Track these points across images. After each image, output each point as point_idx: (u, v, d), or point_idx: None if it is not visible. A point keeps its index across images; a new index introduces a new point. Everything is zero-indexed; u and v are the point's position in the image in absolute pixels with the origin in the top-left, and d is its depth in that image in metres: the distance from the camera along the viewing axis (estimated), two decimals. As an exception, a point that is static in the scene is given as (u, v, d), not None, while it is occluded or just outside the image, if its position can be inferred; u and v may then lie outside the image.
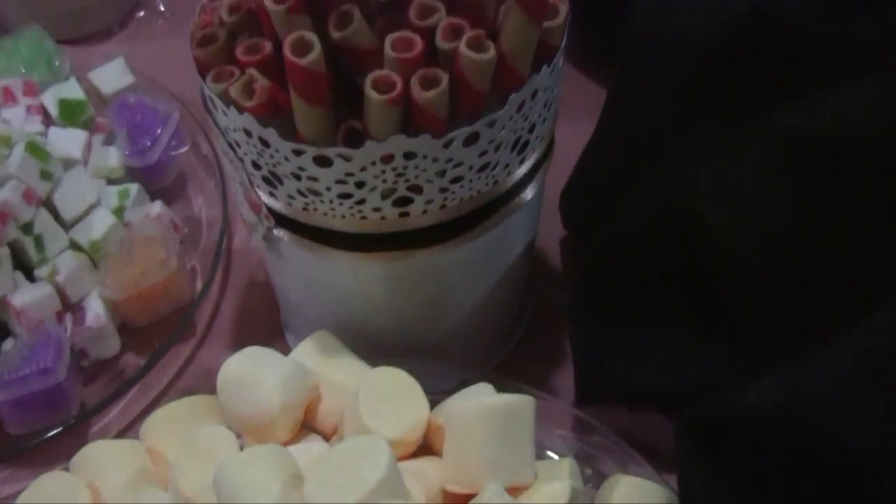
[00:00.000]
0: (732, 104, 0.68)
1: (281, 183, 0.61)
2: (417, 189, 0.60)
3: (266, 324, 0.76)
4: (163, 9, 0.92)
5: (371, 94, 0.56)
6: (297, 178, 0.60)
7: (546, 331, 0.75)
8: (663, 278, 0.65)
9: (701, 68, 0.68)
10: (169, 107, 0.81)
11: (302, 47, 0.55)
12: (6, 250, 0.73)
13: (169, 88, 0.84)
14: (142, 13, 0.92)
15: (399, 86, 0.56)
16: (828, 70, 0.68)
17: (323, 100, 0.57)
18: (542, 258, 0.77)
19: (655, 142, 0.69)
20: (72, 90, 0.81)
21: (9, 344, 0.74)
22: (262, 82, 0.58)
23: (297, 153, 0.58)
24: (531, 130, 0.62)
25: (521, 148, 0.62)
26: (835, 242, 0.62)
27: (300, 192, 0.61)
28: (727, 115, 0.67)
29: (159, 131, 0.79)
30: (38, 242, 0.74)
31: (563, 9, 0.60)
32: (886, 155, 0.61)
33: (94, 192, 0.76)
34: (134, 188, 0.78)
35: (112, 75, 0.83)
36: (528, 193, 0.65)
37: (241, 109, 0.58)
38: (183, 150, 0.81)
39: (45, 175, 0.75)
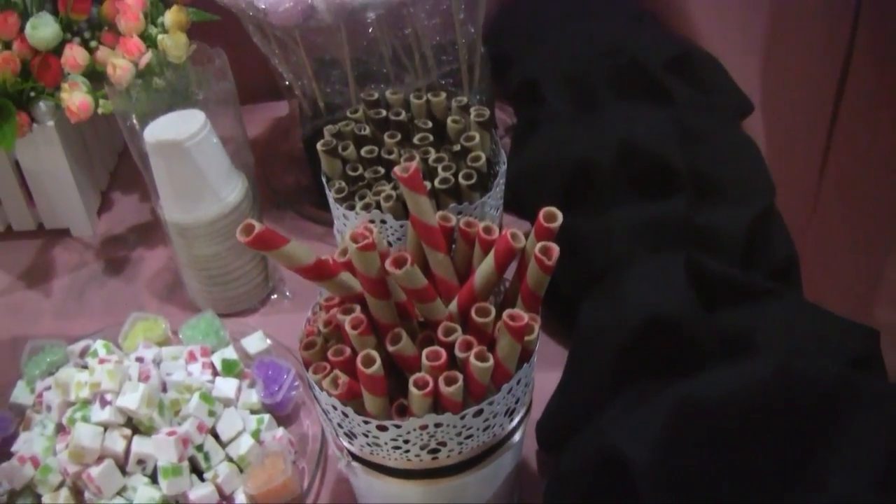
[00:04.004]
0: (645, 377, 0.65)
1: (356, 437, 0.57)
2: (444, 443, 0.56)
3: (349, 508, 0.71)
4: (288, 294, 0.90)
5: (413, 390, 0.53)
6: (366, 436, 0.56)
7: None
8: (603, 494, 0.61)
9: (621, 353, 0.65)
10: (289, 363, 0.78)
11: (368, 360, 0.52)
12: (186, 463, 0.70)
13: (289, 347, 0.81)
14: (275, 296, 0.90)
15: (431, 385, 0.53)
16: (705, 351, 0.65)
17: (382, 392, 0.54)
18: (524, 465, 0.72)
19: (597, 399, 0.65)
20: (230, 353, 0.78)
21: (186, 522, 0.69)
22: (343, 378, 0.55)
23: (366, 422, 0.55)
24: (517, 402, 0.58)
25: (510, 413, 0.58)
26: (720, 471, 0.57)
27: (368, 444, 0.57)
28: (642, 384, 0.64)
29: (285, 377, 0.76)
30: (206, 457, 0.71)
31: (536, 327, 0.57)
32: (748, 412, 0.58)
33: (241, 423, 0.73)
34: (266, 417, 0.74)
35: (255, 341, 0.81)
36: (516, 437, 0.61)
37: (329, 395, 0.54)
38: (298, 391, 0.77)
39: (211, 413, 0.72)
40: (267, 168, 1.06)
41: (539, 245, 0.55)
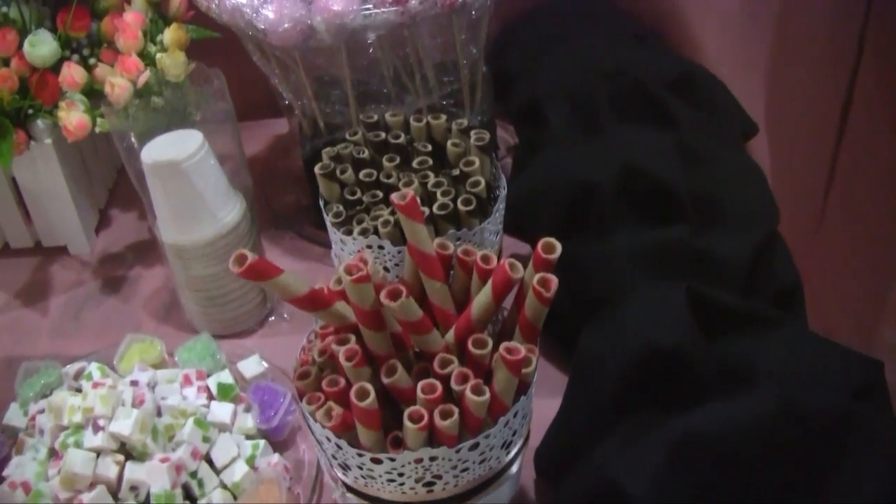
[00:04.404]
0: (645, 407, 0.64)
1: (350, 469, 0.57)
2: (439, 476, 0.56)
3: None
4: (286, 316, 0.89)
5: (408, 423, 0.52)
6: (360, 468, 0.56)
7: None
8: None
9: (621, 383, 0.64)
10: (285, 387, 0.77)
11: (362, 394, 0.52)
12: (179, 490, 0.68)
13: (286, 369, 0.80)
14: (273, 318, 0.89)
15: (426, 418, 0.52)
16: (706, 381, 0.64)
17: (376, 425, 0.53)
18: (522, 494, 0.71)
19: (596, 429, 0.64)
20: (226, 377, 0.77)
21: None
22: (337, 410, 0.54)
23: (360, 455, 0.54)
24: (514, 434, 0.57)
25: (507, 446, 0.57)
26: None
27: (362, 476, 0.56)
28: (642, 415, 0.63)
29: (281, 401, 0.76)
30: (200, 484, 0.70)
31: (534, 359, 0.56)
32: (748, 447, 0.57)
33: (236, 449, 0.72)
34: (261, 443, 0.73)
35: (251, 365, 0.80)
36: (513, 469, 0.61)
37: (323, 426, 0.54)
38: (294, 416, 0.76)
39: (206, 439, 0.71)
40: (266, 186, 1.06)
41: (537, 276, 0.54)
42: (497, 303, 0.56)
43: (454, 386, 0.53)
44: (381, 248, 0.69)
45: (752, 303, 0.69)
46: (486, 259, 0.58)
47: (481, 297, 0.56)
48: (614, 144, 0.81)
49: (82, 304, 0.95)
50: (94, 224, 1.04)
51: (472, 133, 0.72)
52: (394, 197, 0.56)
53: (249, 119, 1.15)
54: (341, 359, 0.53)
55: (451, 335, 0.58)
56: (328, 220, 0.72)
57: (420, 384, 0.53)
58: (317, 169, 0.72)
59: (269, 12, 0.78)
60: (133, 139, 0.83)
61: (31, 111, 0.90)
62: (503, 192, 0.73)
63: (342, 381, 0.55)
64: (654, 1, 1.05)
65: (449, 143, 0.73)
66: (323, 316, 0.55)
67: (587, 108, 0.88)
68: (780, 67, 1.04)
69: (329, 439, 0.55)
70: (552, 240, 0.54)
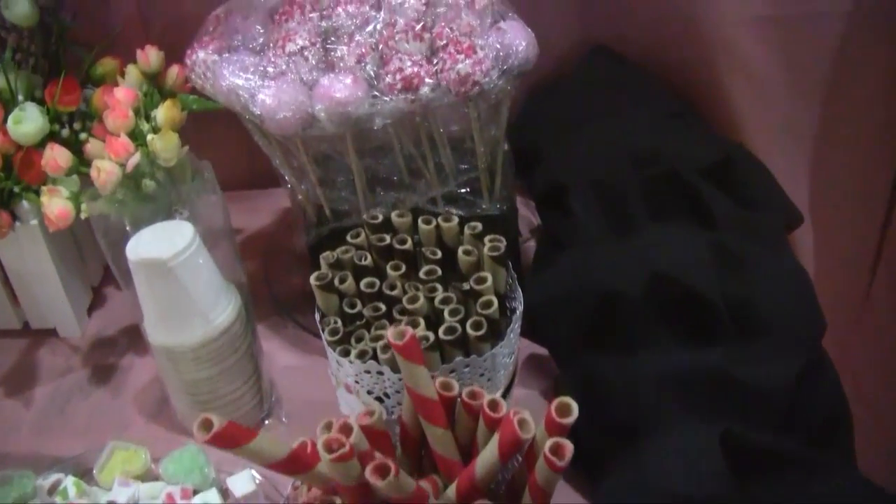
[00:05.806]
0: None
1: None
2: None
3: None
4: (284, 419, 0.84)
5: None
6: None
7: None
8: None
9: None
10: (278, 509, 0.72)
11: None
12: None
13: (279, 485, 0.74)
14: (269, 421, 0.85)
15: None
16: None
17: None
18: None
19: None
20: (213, 497, 0.73)
21: None
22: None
23: None
24: None
25: None
26: None
27: None
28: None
29: (271, 524, 0.70)
30: None
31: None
32: None
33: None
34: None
35: (242, 482, 0.74)
36: None
37: None
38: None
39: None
40: (269, 265, 1.01)
41: (550, 443, 0.48)
42: (504, 462, 0.50)
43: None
44: (380, 374, 0.63)
45: (794, 445, 0.62)
46: (493, 406, 0.53)
47: (487, 455, 0.51)
48: (644, 247, 0.75)
49: (69, 396, 0.90)
50: (87, 304, 0.99)
51: (487, 240, 0.66)
52: (391, 336, 0.51)
53: (256, 187, 1.10)
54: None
55: (452, 491, 0.52)
56: (325, 337, 0.66)
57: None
58: (313, 280, 0.67)
59: (266, 97, 0.73)
60: (126, 225, 0.78)
61: (15, 190, 0.85)
62: (520, 309, 0.67)
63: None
64: (691, 74, 0.99)
65: (461, 250, 0.67)
66: (307, 479, 0.50)
67: (616, 199, 0.82)
68: (826, 147, 0.98)
69: None
70: (568, 400, 0.49)
